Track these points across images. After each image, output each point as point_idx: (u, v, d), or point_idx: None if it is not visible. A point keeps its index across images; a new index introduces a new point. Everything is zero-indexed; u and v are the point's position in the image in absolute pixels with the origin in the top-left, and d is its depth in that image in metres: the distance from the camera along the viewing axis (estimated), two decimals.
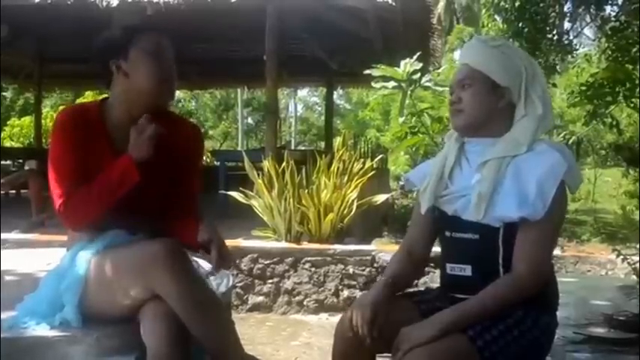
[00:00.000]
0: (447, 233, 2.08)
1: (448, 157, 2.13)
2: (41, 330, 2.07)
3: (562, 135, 6.41)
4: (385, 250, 5.90)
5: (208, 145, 27.03)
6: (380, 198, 6.90)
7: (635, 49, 5.82)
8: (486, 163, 1.99)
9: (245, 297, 5.82)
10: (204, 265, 2.44)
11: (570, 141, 5.95)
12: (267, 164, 6.29)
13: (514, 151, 1.97)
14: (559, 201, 1.91)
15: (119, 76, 2.24)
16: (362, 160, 6.90)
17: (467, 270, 2.00)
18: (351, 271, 5.74)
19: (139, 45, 2.23)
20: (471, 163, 2.07)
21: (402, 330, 1.88)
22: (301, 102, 38.31)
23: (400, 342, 1.85)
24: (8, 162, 11.30)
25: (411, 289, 2.29)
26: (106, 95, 2.38)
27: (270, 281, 5.83)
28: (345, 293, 5.67)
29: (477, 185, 1.98)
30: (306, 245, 5.97)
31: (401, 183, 17.27)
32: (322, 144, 18.50)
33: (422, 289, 2.32)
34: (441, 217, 2.11)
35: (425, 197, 2.14)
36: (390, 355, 1.93)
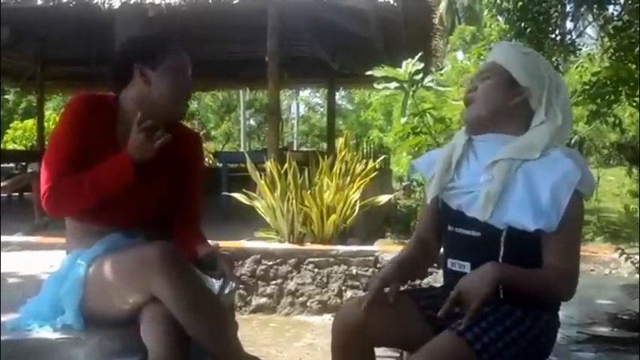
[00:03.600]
0: (450, 228, 2.08)
1: (456, 148, 2.12)
2: (44, 332, 2.08)
3: None
4: (388, 250, 5.89)
5: (210, 146, 27.02)
6: (382, 199, 6.90)
7: (637, 49, 5.80)
8: (496, 163, 1.98)
9: (248, 298, 5.81)
10: None
11: (573, 140, 5.94)
12: (269, 165, 6.29)
13: (526, 155, 1.96)
14: (574, 210, 1.89)
15: (139, 81, 2.21)
16: (364, 160, 6.89)
17: (466, 267, 1.99)
18: (354, 271, 5.73)
19: (170, 58, 2.22)
20: (479, 158, 2.06)
21: (461, 285, 1.84)
22: (303, 103, 38.32)
23: (468, 298, 1.82)
24: (11, 165, 11.31)
25: (413, 287, 2.29)
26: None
27: (273, 282, 5.83)
28: (349, 294, 5.67)
29: (486, 184, 1.97)
30: (309, 246, 5.97)
31: (404, 184, 17.30)
32: (324, 145, 18.50)
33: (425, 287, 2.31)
34: (444, 211, 2.11)
35: (430, 187, 2.15)
36: (388, 349, 1.93)
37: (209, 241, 2.32)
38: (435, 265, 2.29)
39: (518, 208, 1.90)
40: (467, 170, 2.08)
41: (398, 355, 3.10)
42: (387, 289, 1.98)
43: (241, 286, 5.60)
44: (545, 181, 1.90)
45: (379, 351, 2.12)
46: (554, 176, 1.89)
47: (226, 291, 2.31)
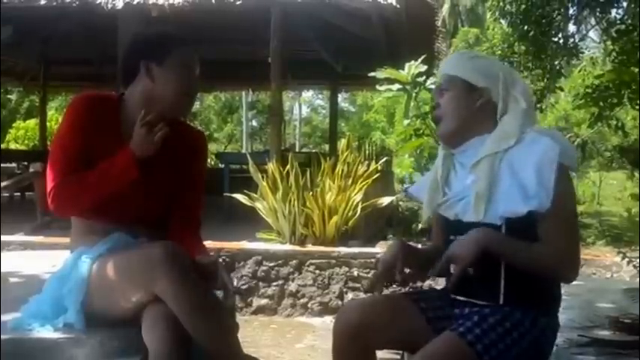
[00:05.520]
0: (452, 237, 2.08)
1: (439, 167, 2.16)
2: (45, 332, 2.08)
3: (567, 137, 6.40)
4: None
5: (213, 147, 27.02)
6: (384, 200, 6.90)
7: None
8: (479, 162, 1.99)
9: (249, 299, 5.81)
10: None
11: (575, 143, 5.94)
12: (271, 167, 6.29)
13: (504, 145, 1.97)
14: (563, 185, 1.89)
15: (145, 77, 2.20)
16: (366, 162, 6.90)
17: (470, 271, 1.98)
18: (355, 273, 5.73)
19: (176, 55, 2.21)
20: (464, 165, 2.07)
21: (449, 251, 1.90)
22: (306, 104, 38.33)
23: (454, 261, 1.87)
24: (13, 164, 11.32)
25: (413, 289, 2.30)
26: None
27: (274, 284, 5.83)
28: (350, 296, 5.67)
29: (473, 186, 1.98)
30: (310, 248, 5.97)
31: (406, 185, 17.28)
32: (327, 146, 18.51)
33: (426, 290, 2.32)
34: (445, 224, 2.12)
35: (424, 210, 2.19)
36: (389, 351, 1.93)
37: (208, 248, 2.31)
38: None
39: (509, 197, 1.91)
40: (455, 180, 2.11)
41: (399, 357, 3.10)
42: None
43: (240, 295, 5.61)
44: (528, 164, 1.90)
45: (380, 353, 2.12)
46: (534, 157, 1.90)
47: (227, 303, 2.29)
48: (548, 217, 1.87)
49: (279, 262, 5.85)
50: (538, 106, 8.47)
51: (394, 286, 2.09)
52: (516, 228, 1.90)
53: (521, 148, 1.95)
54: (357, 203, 6.19)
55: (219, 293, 2.20)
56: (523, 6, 8.03)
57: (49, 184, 2.15)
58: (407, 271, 2.05)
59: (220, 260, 2.25)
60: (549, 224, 1.88)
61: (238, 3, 6.91)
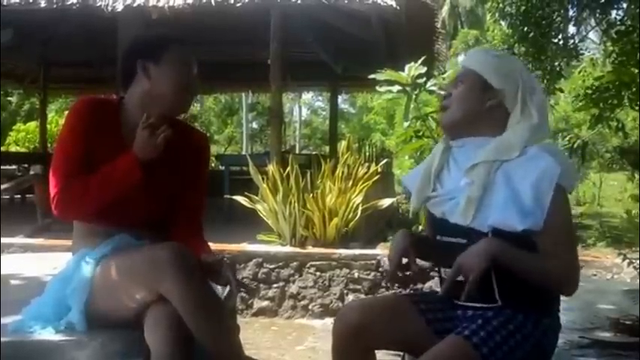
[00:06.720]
0: (438, 237, 2.09)
1: (434, 158, 2.14)
2: (46, 334, 2.07)
3: (567, 138, 6.39)
4: None
5: (213, 149, 26.99)
6: (385, 202, 6.89)
7: None
8: (476, 167, 1.98)
9: (250, 301, 5.81)
10: None
11: (575, 145, 5.93)
12: (271, 168, 6.29)
13: (505, 156, 1.96)
14: (558, 205, 1.88)
15: (142, 77, 2.21)
16: (367, 164, 6.89)
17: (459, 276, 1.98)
18: (356, 275, 5.73)
19: (172, 52, 2.23)
20: (459, 164, 2.06)
21: (458, 260, 1.87)
22: (306, 106, 38.32)
23: (465, 272, 1.86)
24: (13, 167, 11.33)
25: (414, 292, 2.30)
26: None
27: (275, 285, 5.83)
28: (350, 297, 5.66)
29: (466, 189, 1.97)
30: (310, 249, 5.97)
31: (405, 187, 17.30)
32: (327, 148, 18.51)
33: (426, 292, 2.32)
34: (432, 220, 2.13)
35: (412, 200, 2.18)
36: (388, 351, 1.93)
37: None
38: (437, 269, 2.29)
39: (503, 209, 1.90)
40: (448, 177, 2.10)
41: (400, 358, 3.11)
42: (405, 260, 2.03)
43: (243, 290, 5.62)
44: (526, 180, 1.89)
45: (380, 354, 2.12)
46: (534, 174, 1.89)
47: (231, 302, 2.29)
48: (545, 238, 1.87)
49: (280, 263, 5.85)
50: None
51: (395, 286, 2.10)
52: (501, 237, 1.88)
53: (522, 161, 1.94)
54: (358, 205, 6.19)
55: (222, 293, 2.21)
56: (523, 7, 8.03)
57: (53, 190, 2.16)
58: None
59: (225, 259, 2.26)
60: (546, 244, 1.87)
61: (238, 5, 6.91)
